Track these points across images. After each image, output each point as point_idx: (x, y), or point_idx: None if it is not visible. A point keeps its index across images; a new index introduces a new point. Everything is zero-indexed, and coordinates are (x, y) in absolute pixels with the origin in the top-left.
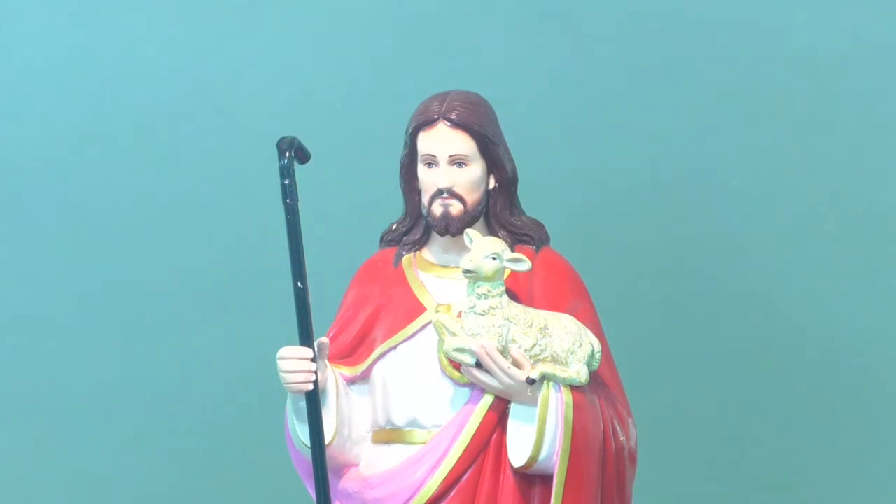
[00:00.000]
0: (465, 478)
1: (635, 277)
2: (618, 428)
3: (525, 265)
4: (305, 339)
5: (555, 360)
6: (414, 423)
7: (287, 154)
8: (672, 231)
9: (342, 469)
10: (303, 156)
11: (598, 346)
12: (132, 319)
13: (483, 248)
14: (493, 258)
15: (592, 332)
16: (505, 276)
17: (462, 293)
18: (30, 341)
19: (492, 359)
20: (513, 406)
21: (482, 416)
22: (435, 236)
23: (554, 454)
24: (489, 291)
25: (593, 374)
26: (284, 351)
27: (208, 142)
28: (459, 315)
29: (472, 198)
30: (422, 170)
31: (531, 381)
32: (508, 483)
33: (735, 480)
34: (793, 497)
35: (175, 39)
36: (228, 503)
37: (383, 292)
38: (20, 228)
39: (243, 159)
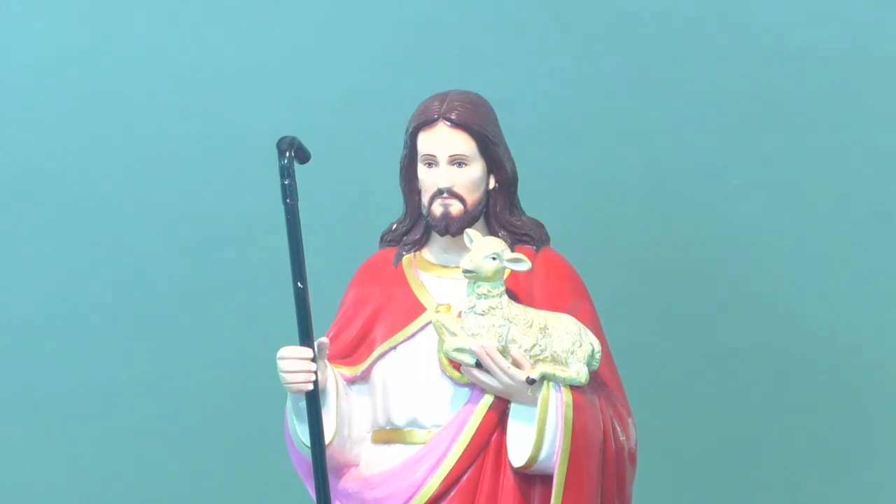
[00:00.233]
0: (465, 478)
1: (635, 277)
2: (618, 428)
3: (525, 265)
4: (305, 339)
5: (555, 360)
6: (414, 423)
7: (287, 154)
8: (672, 231)
9: (342, 469)
10: (303, 156)
11: (598, 346)
12: (132, 319)
13: (483, 248)
14: (493, 258)
15: (592, 332)
16: (505, 276)
17: (462, 293)
18: (30, 341)
19: (492, 359)
20: (513, 406)
21: (482, 416)
22: (435, 236)
23: (554, 454)
24: (489, 291)
25: (593, 374)
26: (284, 351)
27: (208, 142)
28: (459, 315)
29: (472, 198)
30: (422, 170)
31: (531, 381)
32: (508, 483)
33: (735, 480)
34: (793, 497)
35: (175, 39)
36: (228, 503)
37: (383, 292)
38: (20, 228)
39: (243, 159)
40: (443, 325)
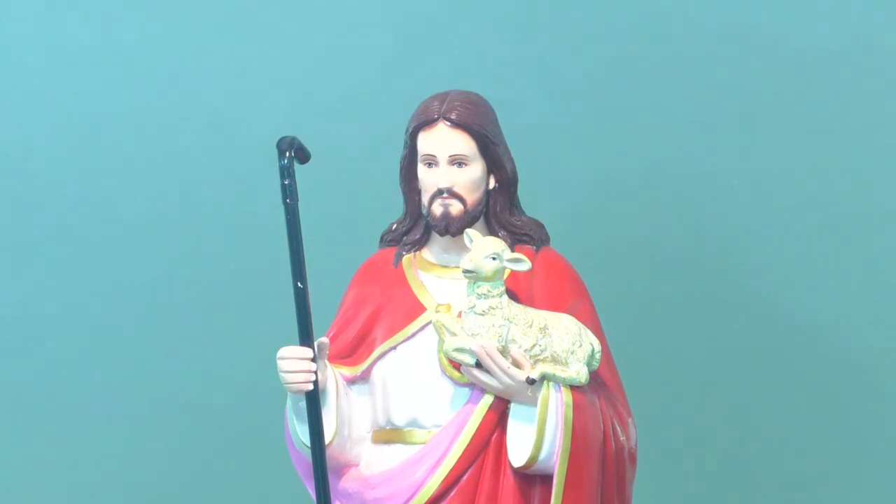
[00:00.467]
0: (465, 478)
1: (635, 277)
2: (618, 428)
3: (525, 265)
4: (305, 339)
5: (555, 360)
6: (414, 423)
7: (287, 154)
8: (672, 231)
9: (342, 469)
10: (303, 156)
11: (598, 346)
12: (131, 319)
13: (483, 248)
14: (493, 258)
15: (592, 332)
16: (505, 276)
17: (462, 293)
18: (30, 341)
19: (492, 359)
20: (513, 406)
21: (482, 416)
22: (435, 236)
23: (554, 454)
24: (489, 291)
25: (593, 374)
26: (284, 351)
27: (208, 142)
28: (459, 315)
29: (472, 198)
30: (422, 170)
31: (531, 381)
32: (508, 483)
33: (735, 480)
34: (793, 497)
35: (175, 39)
36: (228, 503)
37: (383, 292)
38: (20, 228)
39: (243, 159)
40: (443, 325)
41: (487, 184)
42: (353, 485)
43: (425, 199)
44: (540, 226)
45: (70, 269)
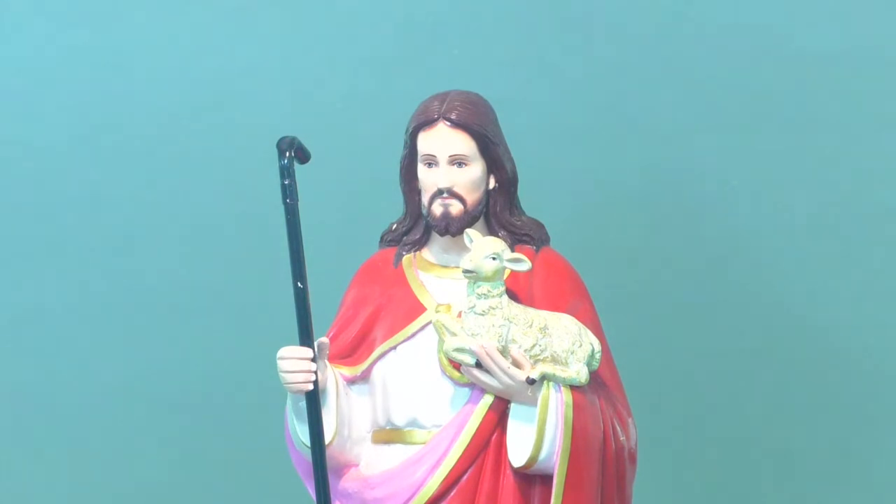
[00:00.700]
0: (465, 478)
1: (635, 277)
2: (618, 428)
3: (525, 265)
4: (305, 339)
5: (555, 360)
6: (414, 423)
7: (287, 154)
8: (672, 231)
9: (342, 469)
10: (303, 156)
11: (598, 346)
12: (131, 319)
13: (483, 248)
14: (493, 258)
15: (592, 332)
16: (505, 276)
17: (462, 293)
18: (29, 341)
19: (492, 359)
20: (513, 406)
21: (482, 416)
22: (435, 236)
23: (554, 454)
24: (489, 291)
25: (593, 374)
26: (284, 351)
27: (208, 142)
28: (459, 315)
29: (472, 198)
30: (422, 170)
31: (531, 381)
32: (508, 483)
33: (735, 480)
34: (793, 497)
35: (175, 39)
36: (228, 503)
37: (383, 292)
38: (20, 228)
39: (243, 159)
40: (443, 325)
41: (487, 184)
42: (353, 485)
43: (425, 199)
44: (540, 226)
45: (70, 269)
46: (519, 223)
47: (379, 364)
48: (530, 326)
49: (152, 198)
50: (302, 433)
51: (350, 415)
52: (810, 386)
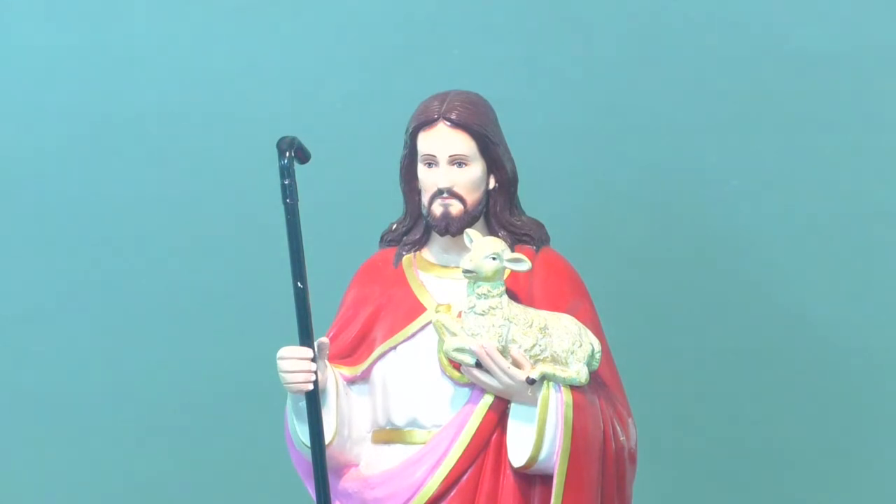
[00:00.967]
0: (465, 478)
1: (635, 277)
2: (618, 428)
3: (525, 265)
4: (305, 339)
5: (555, 360)
6: (414, 423)
7: (287, 154)
8: (672, 231)
9: (342, 469)
10: (303, 156)
11: (598, 346)
12: (131, 319)
13: (483, 248)
14: (493, 258)
15: (592, 332)
16: (505, 276)
17: (462, 293)
18: (29, 341)
19: (492, 359)
20: (513, 406)
21: (482, 416)
22: (435, 236)
23: (554, 454)
24: (489, 291)
25: (593, 374)
26: (284, 351)
27: (208, 142)
28: (459, 315)
29: (472, 198)
30: (422, 170)
31: (531, 381)
32: (508, 483)
33: (735, 480)
34: (793, 497)
35: (175, 39)
36: (228, 503)
37: (383, 292)
38: (20, 227)
39: (243, 159)
40: (443, 325)
41: (487, 184)
42: (353, 485)
43: (425, 199)
44: (540, 226)
45: (70, 269)
46: (519, 223)
47: (379, 364)
48: (530, 326)
49: (152, 197)
50: (302, 433)
51: (350, 415)
52: (810, 386)
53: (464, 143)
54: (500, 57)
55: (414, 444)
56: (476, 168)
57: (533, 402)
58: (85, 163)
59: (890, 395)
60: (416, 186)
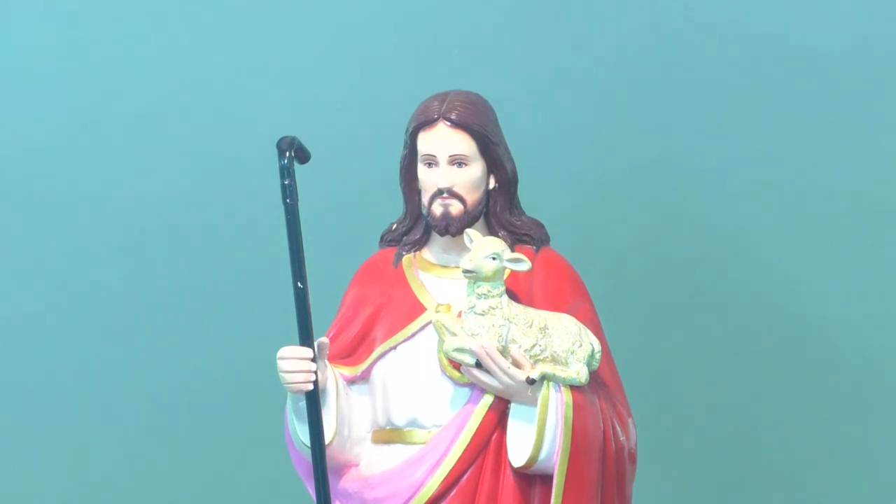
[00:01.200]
0: (465, 478)
1: (635, 277)
2: (618, 428)
3: (525, 265)
4: (305, 339)
5: (555, 360)
6: (414, 423)
7: (287, 154)
8: (672, 231)
9: (342, 469)
10: (303, 156)
11: (598, 346)
12: (131, 319)
13: (483, 248)
14: (493, 258)
15: (592, 332)
16: (505, 276)
17: (462, 293)
18: (29, 341)
19: (492, 359)
20: (513, 406)
21: (482, 416)
22: (435, 236)
23: (554, 454)
24: (489, 291)
25: (593, 374)
26: (284, 351)
27: (208, 142)
28: (459, 315)
29: (472, 198)
30: (422, 170)
31: (531, 381)
32: (508, 483)
33: (735, 480)
34: (793, 497)
35: (175, 39)
36: (228, 503)
37: (383, 292)
38: (20, 228)
39: (243, 159)
40: (443, 325)
41: (487, 184)
42: (353, 485)
43: (425, 199)
44: (540, 226)
45: (70, 269)
46: (519, 223)
47: (379, 364)
48: (530, 326)
49: (152, 197)
50: (302, 433)
51: (350, 415)
52: (810, 385)
53: (464, 143)
54: (500, 57)
55: (414, 444)
56: (476, 168)
57: (533, 402)
58: (85, 163)
59: (890, 395)
60: (416, 186)
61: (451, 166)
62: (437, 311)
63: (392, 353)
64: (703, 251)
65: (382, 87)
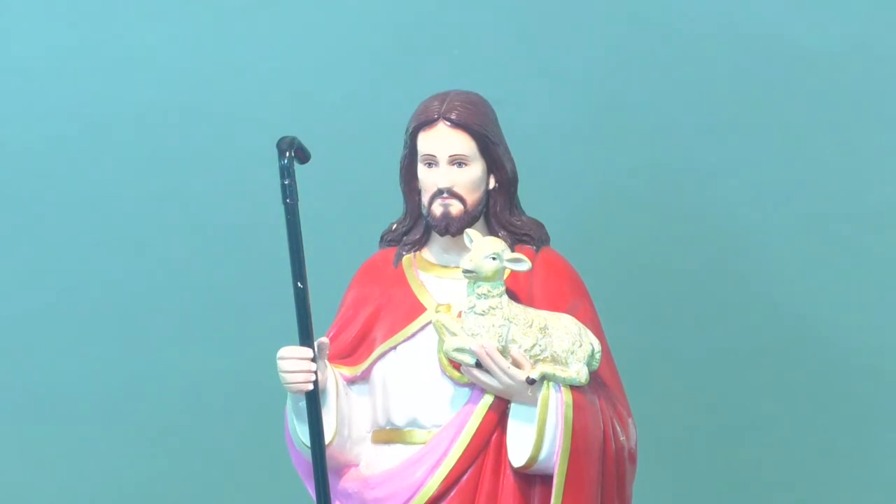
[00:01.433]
0: (465, 478)
1: (635, 277)
2: (618, 428)
3: (525, 265)
4: (305, 339)
5: (555, 360)
6: (414, 423)
7: (287, 154)
8: (672, 231)
9: (342, 469)
10: (303, 156)
11: (598, 346)
12: (131, 319)
13: (483, 248)
14: (493, 258)
15: (592, 332)
16: (505, 276)
17: (462, 293)
18: (28, 341)
19: (492, 359)
20: (513, 406)
21: (482, 416)
22: (435, 236)
23: (554, 454)
24: (489, 291)
25: (593, 374)
26: (284, 351)
27: (208, 142)
28: (459, 315)
29: (472, 198)
30: (422, 170)
31: (531, 381)
32: (508, 483)
33: (735, 480)
34: (794, 497)
35: (175, 39)
36: (228, 503)
37: (383, 292)
38: (19, 228)
39: (243, 159)
40: (443, 325)
41: (487, 184)
42: (353, 485)
43: (425, 199)
44: (540, 226)
45: (70, 269)
46: (519, 223)
47: (379, 364)
48: (530, 326)
49: (152, 198)
50: (302, 433)
51: (350, 415)
52: (810, 385)
53: (464, 143)
54: (500, 57)
55: (414, 444)
56: (476, 168)
57: (533, 402)
58: (85, 163)
59: (890, 395)
60: (416, 186)
61: (451, 166)
62: (437, 311)
63: (392, 353)
64: (702, 251)
65: (382, 87)
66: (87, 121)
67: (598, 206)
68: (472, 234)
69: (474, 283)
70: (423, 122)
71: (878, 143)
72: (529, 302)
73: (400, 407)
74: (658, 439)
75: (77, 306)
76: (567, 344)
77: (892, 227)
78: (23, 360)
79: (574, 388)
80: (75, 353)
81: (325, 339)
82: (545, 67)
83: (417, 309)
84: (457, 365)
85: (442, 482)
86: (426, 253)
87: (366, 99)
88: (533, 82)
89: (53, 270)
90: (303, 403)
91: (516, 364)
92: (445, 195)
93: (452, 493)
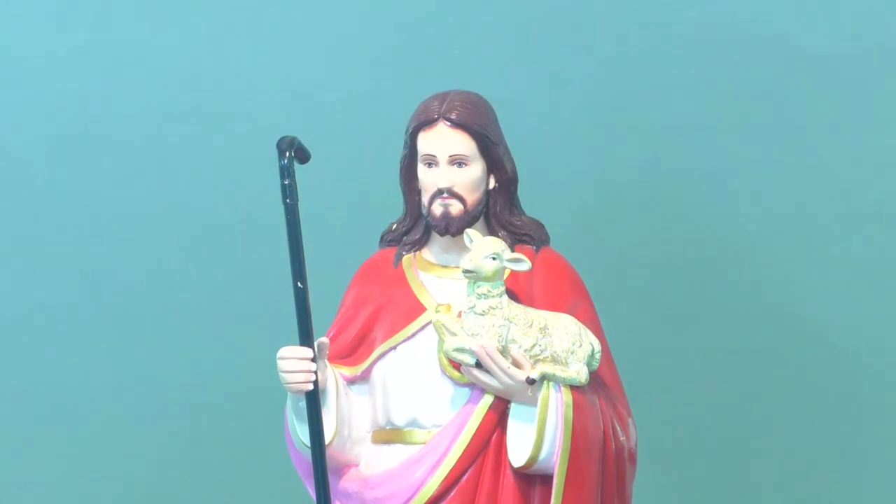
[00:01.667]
0: (465, 478)
1: (636, 277)
2: (618, 428)
3: (525, 265)
4: (305, 339)
5: (555, 360)
6: (414, 423)
7: (287, 154)
8: (672, 231)
9: (342, 469)
10: (303, 156)
11: (598, 346)
12: (131, 319)
13: (483, 248)
14: (493, 258)
15: (592, 331)
16: (505, 276)
17: (462, 293)
18: (28, 341)
19: (492, 359)
20: (513, 406)
21: (482, 416)
22: (435, 236)
23: (554, 454)
24: (489, 291)
25: (593, 374)
26: (284, 351)
27: (208, 142)
28: (459, 315)
29: (472, 198)
30: (422, 170)
31: (531, 381)
32: (508, 483)
33: (735, 480)
34: (793, 497)
35: (175, 39)
36: (228, 503)
37: (383, 292)
38: (19, 228)
39: (243, 159)
40: (443, 325)
41: (487, 184)
42: (353, 485)
43: (425, 199)
44: (540, 226)
45: (70, 269)
46: (519, 223)
47: (379, 364)
48: (530, 326)
49: (152, 197)
50: (302, 433)
51: (350, 415)
52: (810, 385)
53: (464, 143)
54: (500, 57)
55: (414, 444)
56: (476, 168)
57: (533, 402)
58: (84, 163)
59: (890, 395)
60: (416, 186)
61: (451, 166)
62: (437, 311)
63: (392, 353)
64: (702, 251)
65: (382, 87)
66: (87, 121)
67: (598, 206)
68: (472, 234)
69: (474, 283)
70: (423, 122)
71: (878, 143)
72: (529, 302)
73: (400, 407)
74: (658, 439)
75: (77, 306)
76: (567, 344)
77: (892, 226)
78: (23, 360)
79: (574, 388)
80: (75, 353)
81: (325, 339)
82: (545, 67)
83: (417, 309)
84: (457, 365)
85: (442, 482)
86: (426, 253)
87: (366, 99)
88: (533, 82)
89: (53, 270)
90: (303, 403)
91: (516, 364)
92: (445, 195)
93: (452, 493)
